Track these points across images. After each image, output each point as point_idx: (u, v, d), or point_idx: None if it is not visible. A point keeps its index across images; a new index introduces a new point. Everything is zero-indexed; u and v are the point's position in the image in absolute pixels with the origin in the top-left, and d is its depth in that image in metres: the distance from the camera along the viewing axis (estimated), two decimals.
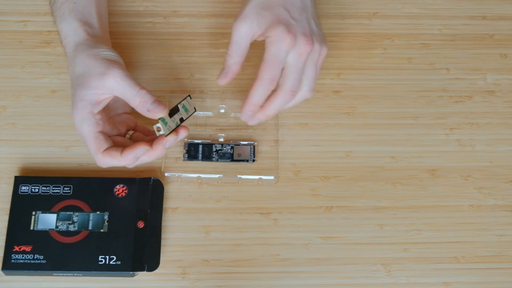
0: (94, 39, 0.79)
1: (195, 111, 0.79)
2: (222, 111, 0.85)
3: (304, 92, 0.79)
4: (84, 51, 0.76)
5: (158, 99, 0.74)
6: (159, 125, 0.74)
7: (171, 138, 0.75)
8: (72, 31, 0.79)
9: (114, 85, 0.74)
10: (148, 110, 0.74)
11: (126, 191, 0.79)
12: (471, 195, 0.83)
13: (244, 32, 0.77)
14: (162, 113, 0.74)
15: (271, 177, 0.81)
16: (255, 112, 0.78)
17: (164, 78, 0.87)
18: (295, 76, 0.76)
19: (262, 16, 0.76)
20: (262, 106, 0.78)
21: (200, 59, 0.89)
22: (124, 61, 0.79)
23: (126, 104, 0.78)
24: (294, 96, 0.78)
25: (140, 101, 0.73)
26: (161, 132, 0.74)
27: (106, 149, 0.75)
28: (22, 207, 0.78)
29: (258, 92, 0.76)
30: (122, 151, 0.74)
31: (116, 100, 0.79)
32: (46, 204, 0.78)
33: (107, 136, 0.76)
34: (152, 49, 0.89)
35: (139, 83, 0.74)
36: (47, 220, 0.77)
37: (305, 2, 0.79)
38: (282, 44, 0.75)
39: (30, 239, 0.76)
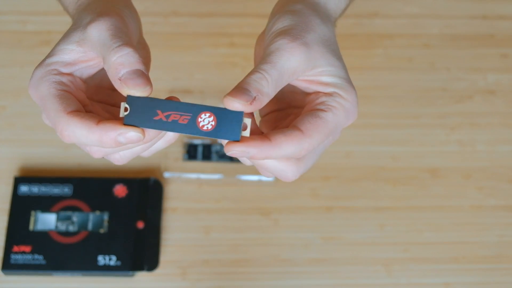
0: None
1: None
2: None
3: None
4: (91, 4, 0.54)
5: (146, 74, 0.47)
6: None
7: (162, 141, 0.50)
8: None
9: (96, 38, 0.49)
10: (120, 79, 0.47)
11: (126, 191, 0.79)
12: (471, 195, 0.83)
13: (297, 63, 0.50)
14: (138, 89, 0.47)
15: (271, 178, 0.81)
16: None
17: (164, 78, 0.87)
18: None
19: (329, 63, 0.52)
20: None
21: (200, 59, 0.89)
22: None
23: None
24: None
25: (115, 61, 0.47)
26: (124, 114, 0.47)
27: (74, 111, 0.48)
28: (21, 208, 0.78)
29: (293, 148, 0.49)
30: (100, 121, 0.47)
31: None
32: (46, 204, 0.78)
33: (78, 101, 0.50)
34: (152, 49, 0.89)
35: (130, 40, 0.49)
36: (47, 220, 0.77)
37: None
38: (351, 118, 0.52)
39: (30, 240, 0.76)
